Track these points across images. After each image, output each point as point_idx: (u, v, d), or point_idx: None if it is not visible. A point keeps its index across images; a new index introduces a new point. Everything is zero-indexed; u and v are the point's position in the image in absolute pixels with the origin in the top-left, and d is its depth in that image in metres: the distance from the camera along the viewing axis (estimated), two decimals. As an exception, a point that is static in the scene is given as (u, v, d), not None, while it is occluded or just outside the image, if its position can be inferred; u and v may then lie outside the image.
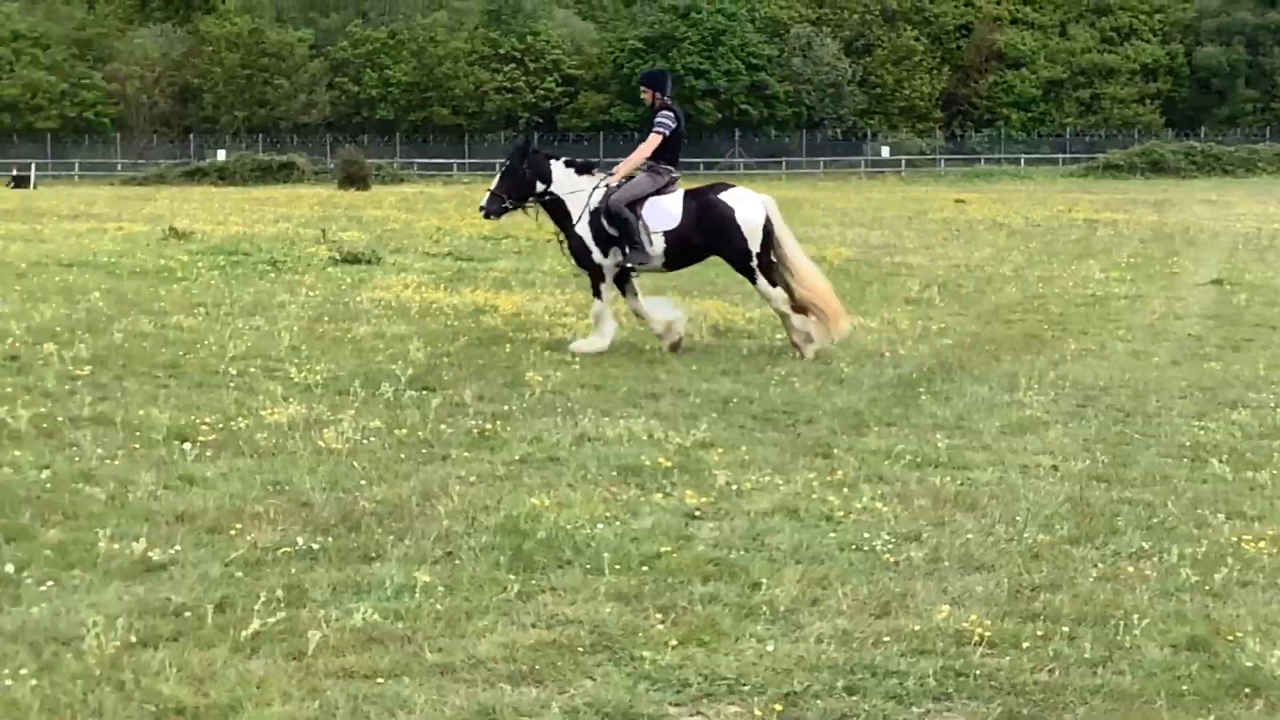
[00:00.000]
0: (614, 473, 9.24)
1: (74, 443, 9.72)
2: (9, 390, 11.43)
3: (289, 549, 7.37)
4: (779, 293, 15.14)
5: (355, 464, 9.29)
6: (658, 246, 15.11)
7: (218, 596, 6.60)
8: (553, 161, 15.54)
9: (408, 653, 6.09)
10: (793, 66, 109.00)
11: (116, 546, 7.26)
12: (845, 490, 8.90)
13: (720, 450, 9.97)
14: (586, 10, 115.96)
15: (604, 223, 15.08)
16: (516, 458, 9.64)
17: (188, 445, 9.67)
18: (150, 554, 7.18)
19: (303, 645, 6.08)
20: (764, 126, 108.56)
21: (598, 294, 15.21)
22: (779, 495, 8.75)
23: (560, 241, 15.69)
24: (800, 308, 15.03)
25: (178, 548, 7.33)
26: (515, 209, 15.67)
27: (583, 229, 15.22)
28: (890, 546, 7.68)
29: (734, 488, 8.90)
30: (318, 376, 12.39)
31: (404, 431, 10.30)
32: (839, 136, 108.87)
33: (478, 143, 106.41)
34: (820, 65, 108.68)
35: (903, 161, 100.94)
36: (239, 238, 29.73)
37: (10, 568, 6.89)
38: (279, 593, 6.64)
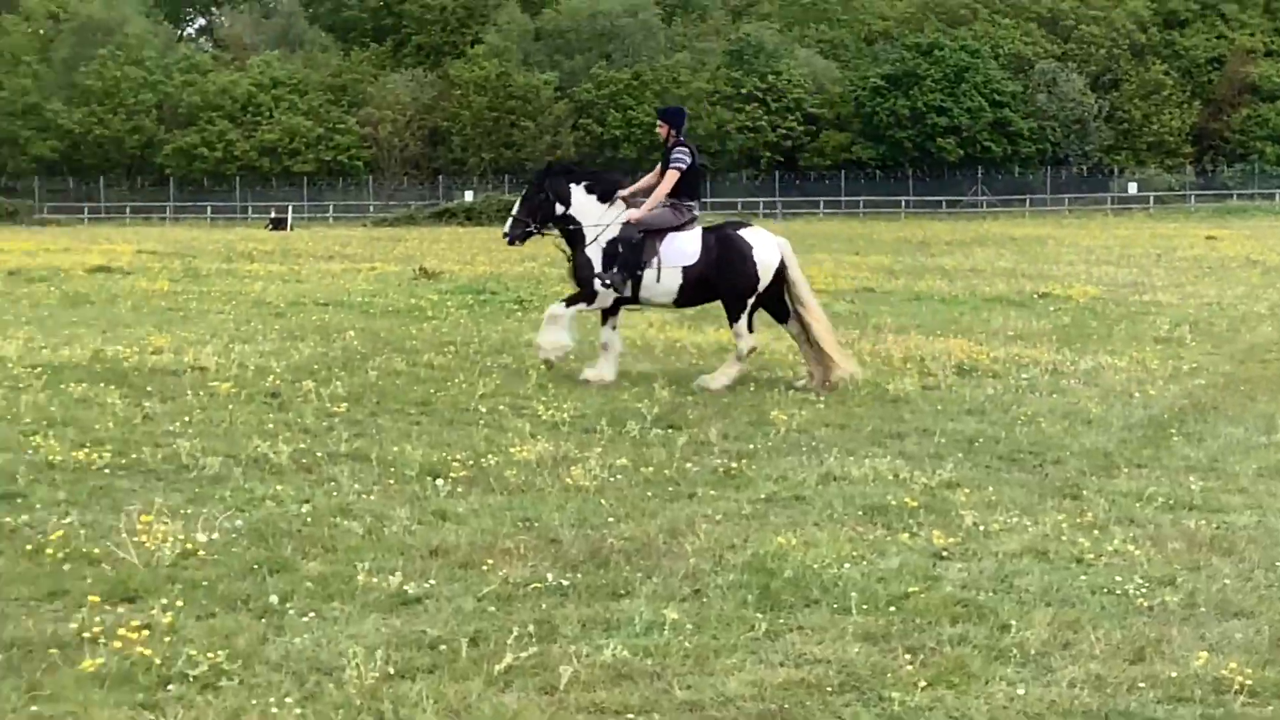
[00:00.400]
0: (860, 512, 9.20)
1: (332, 478, 9.98)
2: (270, 426, 11.78)
3: (539, 585, 7.46)
4: (750, 339, 15.36)
5: (603, 501, 9.38)
6: (671, 282, 15.38)
7: (471, 630, 6.71)
8: (572, 185, 15.75)
9: (657, 689, 6.12)
10: (1037, 102, 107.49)
11: (374, 580, 7.43)
12: (1095, 532, 8.74)
13: (967, 490, 9.85)
14: (828, 49, 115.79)
15: (618, 246, 15.32)
16: (762, 496, 9.65)
17: (440, 481, 9.87)
18: (406, 587, 7.34)
19: (554, 680, 6.15)
20: (1007, 163, 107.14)
21: (571, 303, 15.58)
22: (1027, 537, 8.62)
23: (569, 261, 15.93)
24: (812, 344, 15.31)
25: (432, 582, 7.47)
26: (539, 233, 15.89)
27: (594, 251, 15.48)
28: (1144, 590, 7.51)
29: (981, 528, 8.79)
30: (565, 414, 12.54)
31: (650, 469, 10.36)
32: (1084, 173, 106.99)
33: (719, 181, 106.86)
34: (1065, 101, 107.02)
35: (1151, 198, 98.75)
36: (486, 277, 30.27)
37: (274, 598, 7.10)
38: (530, 628, 6.73)
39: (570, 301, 15.65)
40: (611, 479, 10.06)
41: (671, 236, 15.45)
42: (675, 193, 15.56)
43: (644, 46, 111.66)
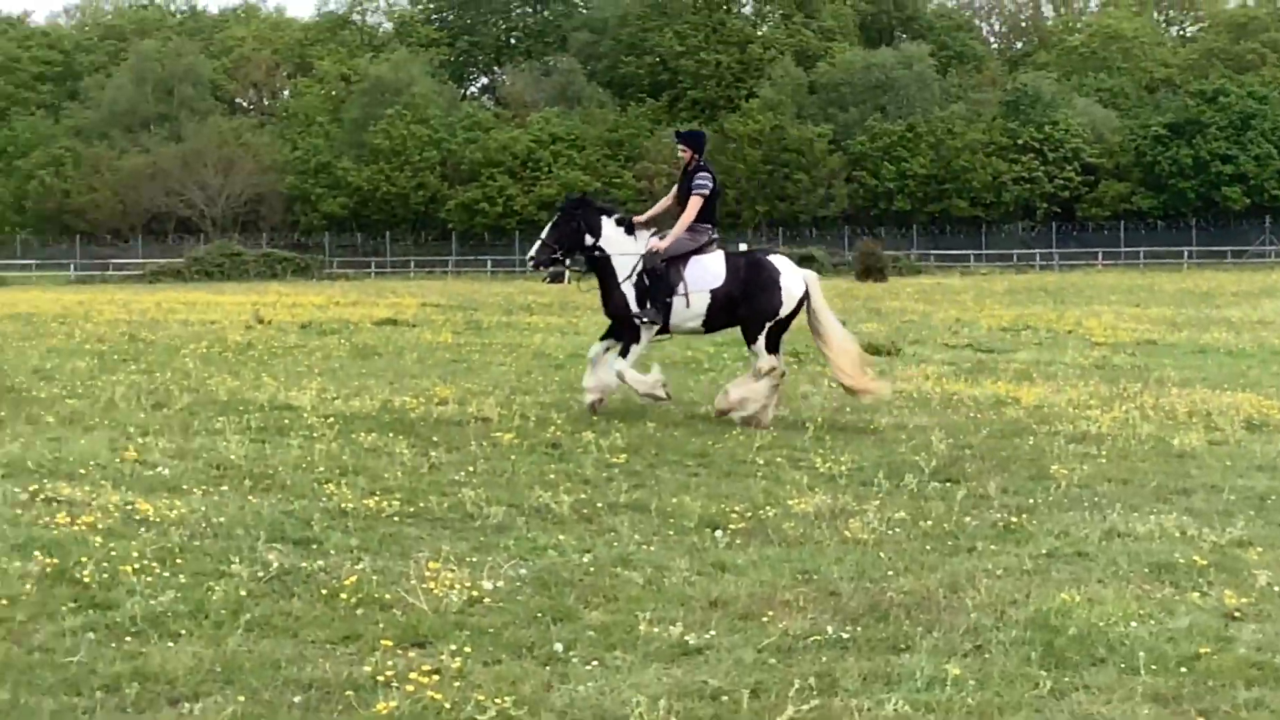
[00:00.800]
0: (1146, 570, 8.97)
1: (612, 528, 10.08)
2: (552, 477, 11.96)
3: (819, 637, 7.44)
4: (772, 359, 15.51)
5: (881, 554, 9.32)
6: (700, 305, 15.60)
7: (752, 682, 6.72)
8: (604, 217, 15.93)
9: (939, 746, 6.05)
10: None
11: (655, 630, 7.48)
12: (1400, 596, 8.38)
13: (1259, 549, 9.53)
14: (1107, 98, 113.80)
15: (644, 279, 15.50)
16: (1043, 552, 9.47)
17: (719, 532, 9.90)
18: (687, 638, 7.37)
19: (836, 733, 6.13)
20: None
21: (625, 351, 15.79)
22: (1325, 599, 8.32)
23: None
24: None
25: (712, 632, 7.50)
26: (564, 260, 16.24)
27: (628, 287, 15.68)
28: None
29: (1276, 589, 8.48)
30: (842, 467, 12.49)
31: (929, 523, 10.27)
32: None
33: (994, 233, 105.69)
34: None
35: None
36: (762, 329, 30.27)
37: (559, 646, 7.20)
38: (811, 680, 6.71)
39: (625, 353, 15.88)
40: (890, 532, 9.99)
41: (695, 260, 15.71)
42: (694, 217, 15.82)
43: (918, 98, 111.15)
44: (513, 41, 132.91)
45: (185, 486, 11.24)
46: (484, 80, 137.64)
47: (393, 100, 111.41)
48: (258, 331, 30.61)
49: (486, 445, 13.59)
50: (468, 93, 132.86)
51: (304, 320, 34.43)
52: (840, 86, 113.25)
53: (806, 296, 15.81)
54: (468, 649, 7.13)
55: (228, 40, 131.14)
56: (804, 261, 79.68)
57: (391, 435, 14.00)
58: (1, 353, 24.28)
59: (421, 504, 10.75)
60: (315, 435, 14.02)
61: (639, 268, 15.71)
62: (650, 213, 16.62)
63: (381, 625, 7.56)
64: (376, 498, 10.79)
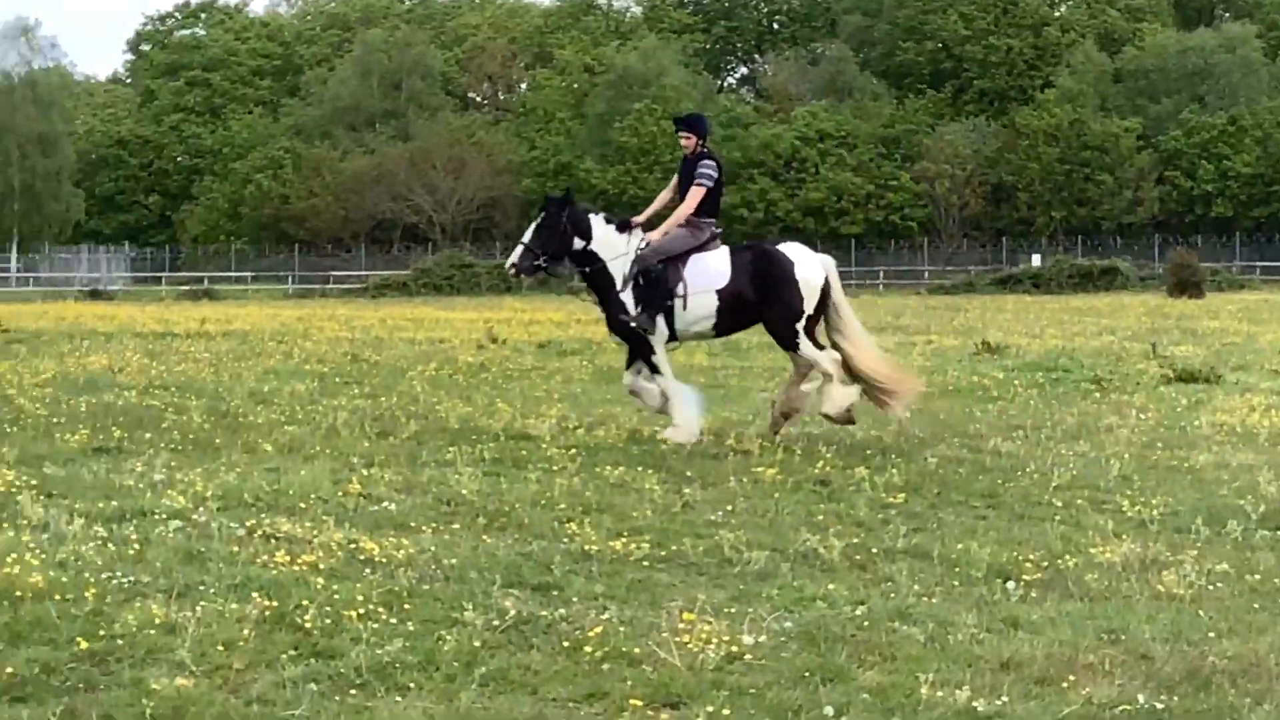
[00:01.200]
0: None
1: (888, 577, 10.02)
2: (820, 518, 11.94)
3: (1129, 707, 7.30)
4: (828, 353, 15.49)
5: (1201, 613, 9.12)
6: (705, 307, 15.56)
7: (1049, 756, 6.63)
8: (592, 216, 15.96)
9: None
10: None
11: (938, 693, 7.41)
12: None
13: None
14: None
15: (639, 281, 15.47)
16: (1395, 614, 9.20)
17: (1010, 584, 9.78)
18: (975, 703, 7.29)
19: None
20: None
21: (655, 369, 15.87)
22: None
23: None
24: (856, 378, 15.64)
25: (1004, 698, 7.40)
26: (550, 268, 16.33)
27: (626, 296, 15.70)
28: None
29: None
30: (1153, 511, 12.26)
31: (1256, 578, 10.01)
32: None
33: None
34: None
35: None
36: (1057, 352, 29.93)
37: (829, 710, 7.17)
38: (1119, 756, 6.60)
39: (654, 369, 16.03)
40: (1210, 587, 9.77)
41: (695, 258, 15.70)
42: (695, 211, 15.75)
43: (1243, 86, 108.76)
44: (775, 27, 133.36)
45: (413, 524, 11.46)
46: (743, 70, 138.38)
47: (641, 93, 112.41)
48: (491, 352, 31.12)
49: (746, 482, 13.61)
50: (725, 84, 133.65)
51: (542, 339, 34.89)
52: (1151, 74, 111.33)
53: (827, 285, 15.82)
54: (726, 711, 7.15)
55: (460, 29, 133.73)
56: (1106, 274, 78.86)
57: (640, 469, 14.09)
58: (216, 374, 25.07)
59: (674, 547, 10.79)
60: (555, 468, 14.18)
61: (635, 269, 15.86)
62: (649, 211, 16.71)
63: (629, 682, 7.60)
64: (624, 539, 10.87)
